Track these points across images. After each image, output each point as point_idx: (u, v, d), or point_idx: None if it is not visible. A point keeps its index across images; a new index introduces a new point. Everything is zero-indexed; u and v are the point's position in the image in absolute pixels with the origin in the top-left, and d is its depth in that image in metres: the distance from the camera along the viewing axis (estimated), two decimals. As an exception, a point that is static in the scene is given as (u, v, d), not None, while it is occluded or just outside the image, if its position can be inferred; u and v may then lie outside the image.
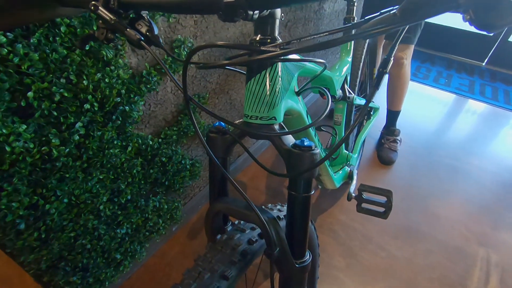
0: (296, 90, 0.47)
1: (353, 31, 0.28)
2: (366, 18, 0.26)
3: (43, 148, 0.57)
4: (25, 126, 0.53)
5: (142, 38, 0.36)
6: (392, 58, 0.36)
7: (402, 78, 1.45)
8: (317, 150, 0.37)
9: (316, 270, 0.77)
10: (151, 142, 0.82)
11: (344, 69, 0.82)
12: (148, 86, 0.73)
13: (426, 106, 2.08)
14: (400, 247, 1.20)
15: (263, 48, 0.30)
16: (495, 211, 1.35)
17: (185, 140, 0.96)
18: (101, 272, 0.85)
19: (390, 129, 1.62)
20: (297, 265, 0.39)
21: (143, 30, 0.38)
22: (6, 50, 0.46)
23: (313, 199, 1.37)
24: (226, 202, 0.42)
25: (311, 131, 0.58)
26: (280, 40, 0.36)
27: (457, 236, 1.24)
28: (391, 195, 0.79)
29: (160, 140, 0.86)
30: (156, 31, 0.40)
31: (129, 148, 0.76)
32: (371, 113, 1.23)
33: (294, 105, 0.46)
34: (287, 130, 0.40)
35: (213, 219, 0.43)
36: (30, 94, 0.51)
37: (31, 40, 0.49)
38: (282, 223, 0.43)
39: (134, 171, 0.80)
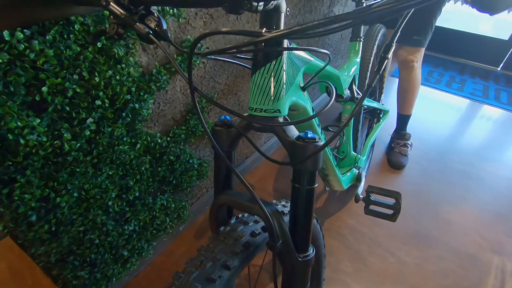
0: (302, 85, 0.47)
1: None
2: (369, 4, 0.26)
3: (55, 142, 0.59)
4: (39, 120, 0.55)
5: (151, 32, 0.38)
6: (393, 44, 0.35)
7: (413, 82, 1.43)
8: (321, 142, 0.37)
9: (322, 272, 0.76)
10: (159, 140, 0.83)
11: (352, 70, 0.81)
12: (157, 84, 0.74)
13: (438, 111, 2.04)
14: (409, 253, 1.17)
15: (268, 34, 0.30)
16: (510, 219, 1.30)
17: (193, 139, 0.97)
18: (108, 268, 0.86)
19: (400, 133, 1.60)
20: (300, 259, 0.39)
21: (152, 25, 0.40)
22: (23, 46, 0.48)
23: (320, 202, 1.36)
24: (231, 195, 0.42)
25: (316, 126, 0.58)
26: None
27: (470, 243, 1.20)
28: (400, 197, 0.77)
29: (168, 138, 0.87)
30: (164, 26, 0.41)
31: (138, 145, 0.78)
32: (381, 115, 1.22)
33: (299, 100, 0.46)
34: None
35: (217, 212, 0.43)
36: (44, 89, 0.53)
37: (47, 37, 0.51)
38: (286, 218, 0.43)
39: (143, 168, 0.81)
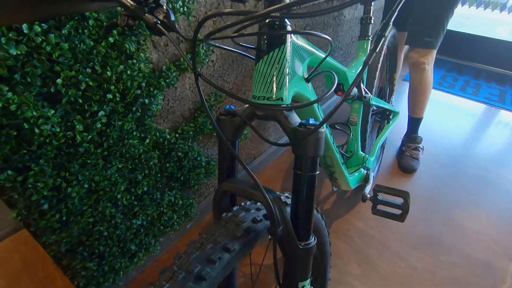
0: (306, 76, 0.48)
1: None
2: None
3: (68, 133, 0.61)
4: (53, 111, 0.58)
5: (159, 22, 0.39)
6: (391, 23, 0.36)
7: (424, 84, 1.41)
8: (323, 129, 0.37)
9: (327, 270, 0.75)
10: (168, 136, 0.85)
11: (359, 69, 0.81)
12: (167, 80, 0.76)
13: (451, 115, 2.00)
14: (420, 258, 1.14)
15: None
16: (527, 225, 1.25)
17: (201, 137, 0.98)
18: (116, 262, 0.88)
19: (411, 137, 1.57)
20: (301, 247, 0.39)
21: (161, 17, 0.41)
22: (40, 39, 0.51)
23: (328, 204, 1.35)
24: (234, 183, 0.43)
25: (320, 117, 0.58)
26: (288, 22, 0.37)
27: (484, 250, 1.16)
28: (408, 196, 0.76)
29: (177, 135, 0.89)
30: (172, 18, 0.42)
31: (147, 140, 0.80)
32: (390, 117, 1.20)
33: (303, 91, 0.47)
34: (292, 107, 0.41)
35: (220, 199, 0.43)
36: (59, 81, 0.56)
37: (62, 31, 0.54)
38: (288, 209, 0.43)
39: (151, 163, 0.83)
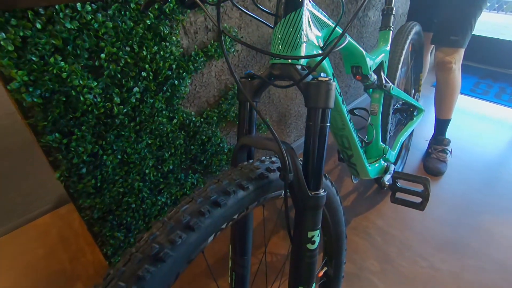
0: (321, 45, 0.51)
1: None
2: None
3: (107, 104, 0.69)
4: (96, 83, 0.66)
5: None
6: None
7: (451, 85, 1.37)
8: (333, 83, 0.40)
9: (342, 252, 0.75)
10: (194, 119, 0.91)
11: (380, 56, 0.83)
12: (195, 65, 0.83)
13: (484, 121, 1.91)
14: (444, 260, 1.09)
15: None
16: None
17: (224, 123, 1.04)
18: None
19: (438, 138, 1.52)
20: (310, 195, 0.42)
21: None
22: (90, 17, 0.59)
23: (348, 202, 1.34)
24: (251, 137, 0.47)
25: (338, 94, 0.60)
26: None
27: (516, 256, 1.09)
28: (428, 183, 0.75)
29: (202, 119, 0.95)
30: None
31: (175, 121, 0.86)
32: (414, 113, 1.19)
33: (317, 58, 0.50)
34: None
35: (238, 153, 0.47)
36: (102, 55, 0.64)
37: (108, 12, 0.62)
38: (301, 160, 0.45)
39: (177, 142, 0.89)
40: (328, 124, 0.42)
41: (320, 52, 0.51)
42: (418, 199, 0.77)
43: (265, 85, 0.47)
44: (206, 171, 1.07)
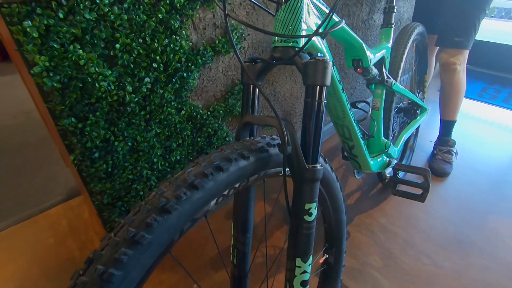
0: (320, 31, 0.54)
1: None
2: None
3: (119, 92, 0.73)
4: (110, 72, 0.70)
5: None
6: None
7: (456, 86, 1.38)
8: (330, 62, 0.43)
9: (343, 239, 0.76)
10: (201, 111, 0.95)
11: (382, 51, 0.86)
12: (203, 59, 0.87)
13: (492, 125, 1.91)
14: (448, 258, 1.09)
15: None
16: None
17: (230, 118, 1.07)
18: (147, 224, 0.97)
19: (443, 139, 1.53)
20: (308, 167, 0.44)
21: None
22: (107, 9, 0.64)
23: (352, 200, 1.35)
24: (253, 116, 0.50)
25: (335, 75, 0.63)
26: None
27: (522, 256, 1.08)
28: (429, 174, 0.76)
29: (209, 112, 0.99)
30: None
31: (183, 112, 0.90)
32: (418, 112, 1.20)
33: (316, 43, 0.54)
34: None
35: (241, 130, 0.51)
36: (117, 46, 0.68)
37: (124, 5, 0.67)
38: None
39: (185, 133, 0.93)
40: (325, 101, 0.44)
41: (319, 39, 0.54)
42: (419, 191, 0.78)
43: (267, 68, 0.50)
44: (212, 164, 1.10)
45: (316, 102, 0.44)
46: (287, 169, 0.46)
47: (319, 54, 0.44)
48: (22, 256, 1.09)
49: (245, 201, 0.56)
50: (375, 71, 0.83)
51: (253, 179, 0.45)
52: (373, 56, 0.79)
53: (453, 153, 1.51)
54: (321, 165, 0.46)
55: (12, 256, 1.10)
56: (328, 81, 0.44)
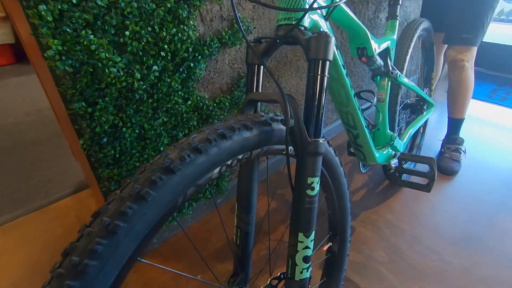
0: (324, 14, 0.55)
1: None
2: None
3: (128, 79, 0.75)
4: (120, 58, 0.72)
5: None
6: None
7: (464, 83, 1.37)
8: (332, 36, 0.44)
9: (347, 228, 0.76)
10: (207, 102, 0.97)
11: (387, 42, 0.86)
12: (210, 50, 0.89)
13: (502, 125, 1.88)
14: (456, 254, 1.07)
15: None
16: None
17: (235, 110, 1.09)
18: (153, 213, 0.98)
19: (451, 137, 1.51)
20: (310, 141, 0.45)
21: None
22: (118, -4, 0.66)
23: (358, 196, 1.35)
24: (257, 93, 0.51)
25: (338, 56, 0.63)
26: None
27: (533, 254, 1.05)
28: (434, 163, 0.76)
29: (215, 104, 1.00)
30: None
31: (189, 102, 0.92)
32: (424, 107, 1.20)
33: (319, 23, 0.55)
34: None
35: (245, 107, 0.52)
36: (127, 33, 0.71)
37: (134, -7, 0.69)
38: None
39: (191, 123, 0.95)
40: (327, 76, 0.45)
41: (323, 20, 0.55)
42: (424, 181, 0.78)
43: (272, 48, 0.52)
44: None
45: (319, 76, 0.45)
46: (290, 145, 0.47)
47: (321, 29, 0.44)
48: (32, 244, 1.12)
49: (248, 180, 0.57)
50: (379, 61, 0.83)
51: (256, 152, 0.46)
52: (377, 45, 0.80)
53: (461, 151, 1.49)
54: (324, 139, 0.46)
55: (23, 244, 1.12)
56: (330, 56, 0.44)
